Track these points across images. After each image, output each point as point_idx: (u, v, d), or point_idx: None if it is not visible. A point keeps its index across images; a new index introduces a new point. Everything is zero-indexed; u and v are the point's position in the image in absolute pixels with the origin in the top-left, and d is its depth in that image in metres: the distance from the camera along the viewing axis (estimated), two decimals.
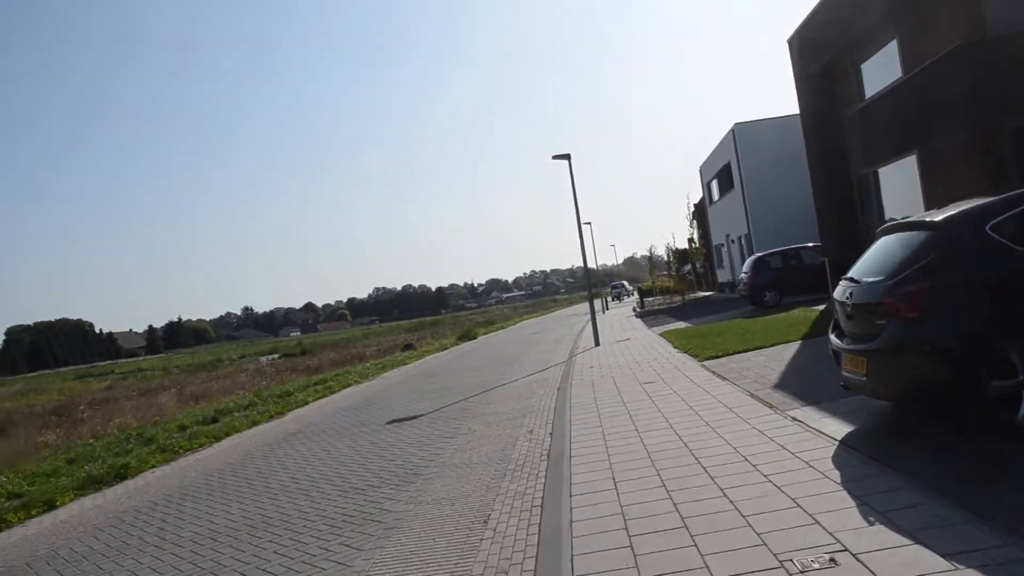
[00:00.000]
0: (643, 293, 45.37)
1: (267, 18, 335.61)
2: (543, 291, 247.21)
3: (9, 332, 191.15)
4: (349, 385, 22.23)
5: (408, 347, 40.62)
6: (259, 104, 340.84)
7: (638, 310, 36.31)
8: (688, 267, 77.02)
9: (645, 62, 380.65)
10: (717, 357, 13.11)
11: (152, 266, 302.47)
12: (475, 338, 41.07)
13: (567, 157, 21.17)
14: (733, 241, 39.23)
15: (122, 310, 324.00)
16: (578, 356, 18.59)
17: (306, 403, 18.96)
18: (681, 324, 23.23)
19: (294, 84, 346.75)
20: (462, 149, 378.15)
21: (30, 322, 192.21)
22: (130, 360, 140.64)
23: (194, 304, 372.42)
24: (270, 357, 67.72)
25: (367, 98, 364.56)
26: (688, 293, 42.49)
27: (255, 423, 15.98)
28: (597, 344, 20.80)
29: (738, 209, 35.36)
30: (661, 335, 20.19)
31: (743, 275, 24.34)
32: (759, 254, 23.78)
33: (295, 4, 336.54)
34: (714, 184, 42.90)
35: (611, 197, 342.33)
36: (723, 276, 45.35)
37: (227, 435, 14.82)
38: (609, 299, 74.82)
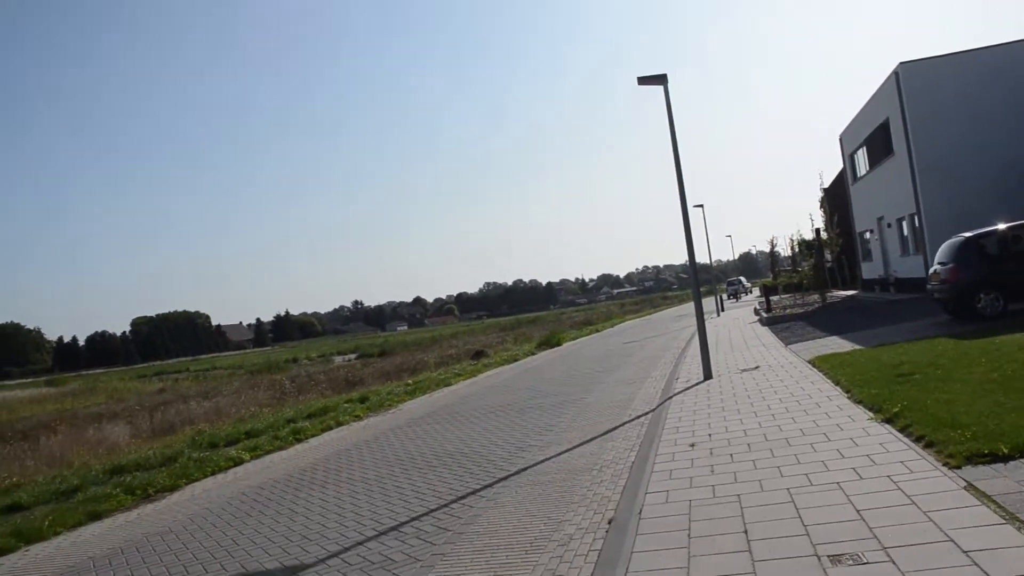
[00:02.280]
0: (768, 291, 36.61)
1: (378, 15, 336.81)
2: (655, 287, 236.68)
3: (134, 323, 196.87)
4: (329, 429, 15.50)
5: (479, 354, 33.71)
6: (367, 95, 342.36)
7: (764, 315, 28.03)
8: (812, 261, 67.27)
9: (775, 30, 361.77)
10: (995, 458, 5.43)
11: (270, 259, 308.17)
12: (558, 345, 33.72)
13: (663, 80, 13.52)
14: (889, 225, 30.39)
15: (241, 303, 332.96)
16: (674, 403, 11.02)
17: (241, 462, 12.25)
18: (838, 342, 15.26)
19: (403, 75, 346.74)
20: (579, 141, 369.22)
21: (153, 313, 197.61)
22: (228, 354, 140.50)
23: (311, 297, 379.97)
24: (346, 357, 62.61)
25: (480, 92, 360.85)
26: (826, 292, 33.75)
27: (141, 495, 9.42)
28: (708, 377, 13.15)
29: (899, 181, 26.63)
30: (814, 365, 12.33)
31: (937, 268, 15.97)
32: (966, 235, 15.36)
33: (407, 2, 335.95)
34: (860, 154, 33.98)
35: (729, 186, 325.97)
36: (870, 271, 36.31)
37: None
38: (724, 298, 66.20)
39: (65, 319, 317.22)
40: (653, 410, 11.04)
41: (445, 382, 22.02)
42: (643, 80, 13.31)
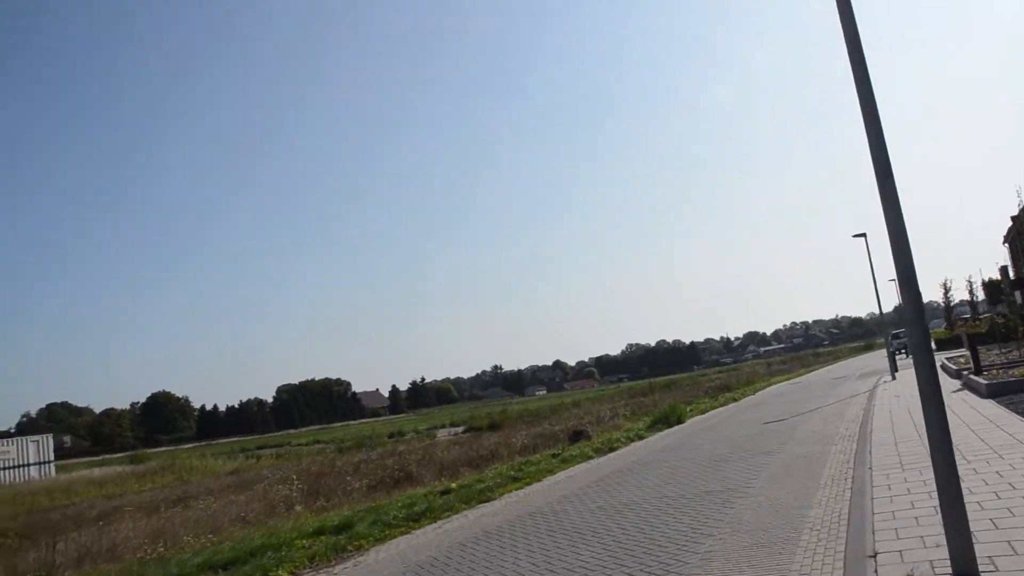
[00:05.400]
0: (973, 341, 26.73)
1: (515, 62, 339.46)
2: (804, 343, 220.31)
3: (278, 391, 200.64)
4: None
5: (578, 436, 26.30)
6: (499, 151, 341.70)
7: (977, 379, 19.25)
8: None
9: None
10: None
11: (412, 324, 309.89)
12: (679, 423, 25.83)
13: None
14: None
15: (384, 370, 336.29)
16: None
17: None
18: None
19: (541, 126, 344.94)
20: (726, 194, 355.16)
21: (297, 381, 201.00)
22: (359, 422, 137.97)
23: (454, 363, 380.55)
24: (452, 431, 56.30)
25: (621, 137, 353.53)
26: None
27: None
28: None
29: None
30: None
31: None
32: None
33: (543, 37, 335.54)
34: None
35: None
36: None
37: None
38: (896, 353, 55.81)
39: (218, 388, 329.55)
40: None
41: (512, 487, 15.00)
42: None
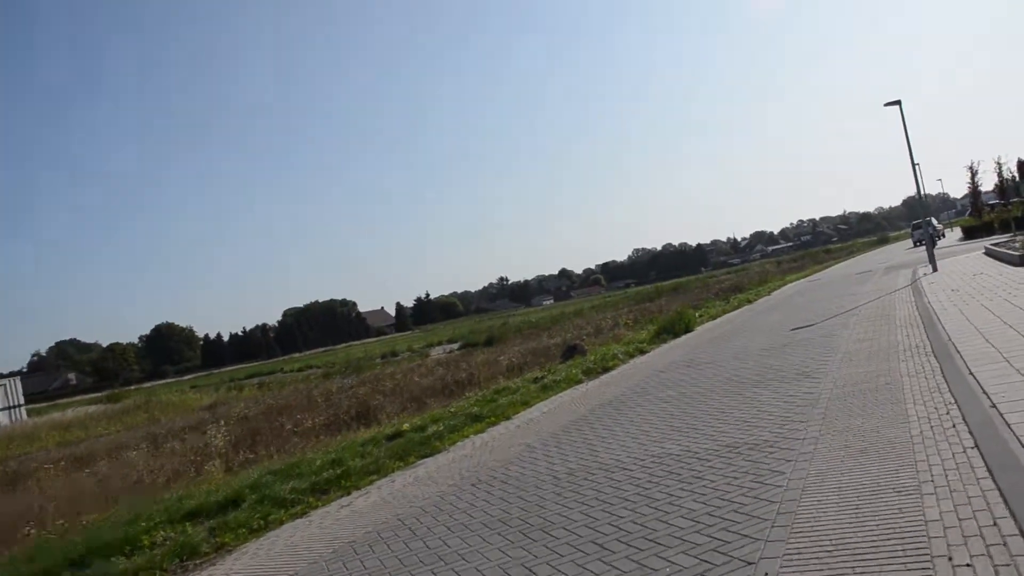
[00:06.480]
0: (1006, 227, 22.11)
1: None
2: (812, 241, 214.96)
3: (285, 315, 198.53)
4: None
5: (572, 351, 22.68)
6: (513, 66, 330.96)
7: None
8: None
9: None
10: None
11: (416, 241, 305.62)
12: (688, 331, 22.13)
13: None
14: None
15: (393, 288, 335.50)
16: None
17: None
18: None
19: (548, 57, 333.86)
20: (727, 100, 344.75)
21: (303, 303, 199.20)
22: (365, 341, 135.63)
23: (461, 278, 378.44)
24: (448, 348, 53.06)
25: (632, 58, 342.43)
26: None
27: None
28: None
29: None
30: None
31: None
32: None
33: None
34: None
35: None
36: None
37: None
38: (917, 244, 52.05)
39: (228, 316, 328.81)
40: None
41: (429, 444, 11.26)
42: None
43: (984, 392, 6.73)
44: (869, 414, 7.34)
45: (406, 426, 13.17)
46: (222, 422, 20.11)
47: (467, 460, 9.75)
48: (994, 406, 6.25)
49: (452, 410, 14.26)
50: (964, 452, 5.55)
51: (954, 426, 6.27)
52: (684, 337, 20.94)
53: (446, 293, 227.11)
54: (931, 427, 6.42)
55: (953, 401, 7.06)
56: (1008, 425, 5.66)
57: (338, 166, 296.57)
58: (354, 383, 29.75)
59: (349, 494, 9.41)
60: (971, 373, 7.62)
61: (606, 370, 16.53)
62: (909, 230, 58.74)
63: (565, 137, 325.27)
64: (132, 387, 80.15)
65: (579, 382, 15.48)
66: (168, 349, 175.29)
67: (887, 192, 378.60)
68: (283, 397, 31.00)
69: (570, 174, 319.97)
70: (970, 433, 5.95)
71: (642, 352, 18.85)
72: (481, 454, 9.97)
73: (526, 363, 23.84)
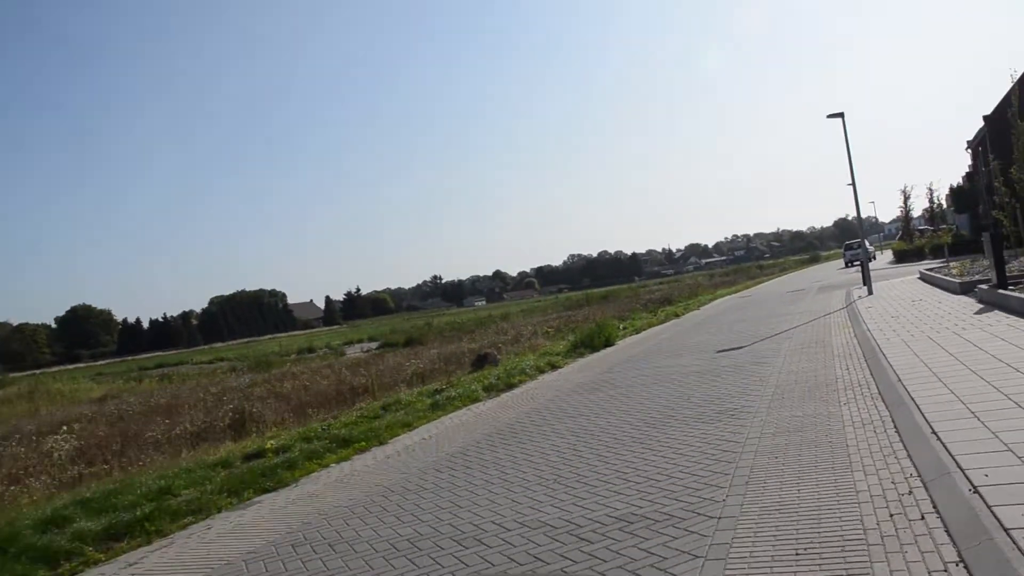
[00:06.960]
0: (995, 245, 20.21)
1: None
2: (746, 256, 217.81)
3: (211, 303, 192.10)
4: None
5: (483, 361, 20.71)
6: (459, 70, 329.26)
7: (1006, 294, 13.99)
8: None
9: None
10: None
11: (350, 235, 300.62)
12: (608, 345, 20.44)
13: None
14: None
15: (325, 280, 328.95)
16: None
17: None
18: None
19: (492, 52, 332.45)
20: (665, 104, 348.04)
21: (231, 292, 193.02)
22: (291, 334, 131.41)
23: (396, 273, 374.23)
24: (367, 346, 50.67)
25: (573, 58, 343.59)
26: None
27: None
28: None
29: None
30: None
31: None
32: None
33: None
34: None
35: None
36: None
37: None
38: (849, 264, 52.06)
39: (154, 300, 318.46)
40: None
41: (274, 475, 9.19)
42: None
43: (959, 467, 4.99)
44: (805, 483, 5.58)
45: (271, 443, 11.12)
46: (75, 425, 17.64)
47: (308, 503, 7.74)
48: (976, 491, 4.52)
49: (327, 426, 12.26)
50: (946, 571, 3.79)
51: (923, 518, 4.52)
52: (603, 352, 19.21)
53: (379, 289, 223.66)
54: (890, 515, 4.66)
55: (915, 474, 5.33)
56: (1005, 529, 3.92)
57: (292, 150, 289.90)
58: (252, 382, 27.29)
59: (150, 542, 7.32)
60: (934, 433, 5.92)
61: (510, 387, 14.63)
62: (841, 250, 58.53)
63: (509, 135, 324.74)
64: (30, 372, 75.32)
65: (477, 400, 13.56)
66: (84, 332, 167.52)
67: (819, 213, 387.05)
68: (178, 393, 28.43)
69: (509, 174, 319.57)
70: (948, 535, 4.19)
71: (554, 367, 17.02)
72: (326, 494, 7.97)
73: (435, 370, 22.00)
